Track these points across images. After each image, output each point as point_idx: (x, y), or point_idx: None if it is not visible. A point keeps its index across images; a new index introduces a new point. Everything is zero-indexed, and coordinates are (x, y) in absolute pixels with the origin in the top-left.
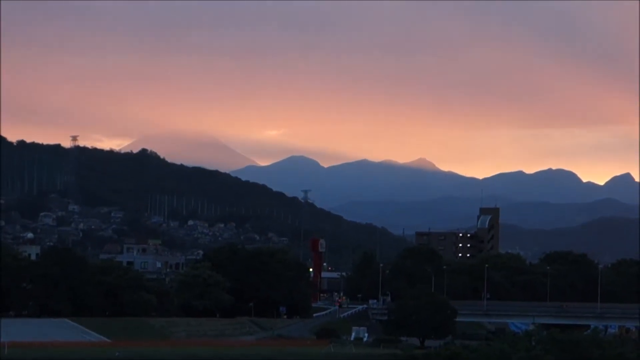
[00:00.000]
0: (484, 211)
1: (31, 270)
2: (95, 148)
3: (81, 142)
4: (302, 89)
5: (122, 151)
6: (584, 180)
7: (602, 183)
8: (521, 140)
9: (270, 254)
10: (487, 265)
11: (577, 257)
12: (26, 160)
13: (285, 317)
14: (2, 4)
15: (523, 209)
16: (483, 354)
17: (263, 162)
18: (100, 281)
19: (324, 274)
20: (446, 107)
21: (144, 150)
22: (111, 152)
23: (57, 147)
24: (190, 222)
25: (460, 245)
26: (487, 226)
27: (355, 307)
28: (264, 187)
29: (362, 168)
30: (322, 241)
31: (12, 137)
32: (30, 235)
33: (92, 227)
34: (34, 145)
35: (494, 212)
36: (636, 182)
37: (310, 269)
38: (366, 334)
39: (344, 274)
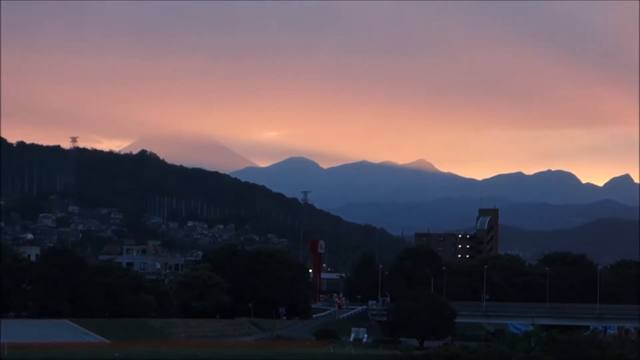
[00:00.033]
0: (483, 212)
1: (31, 271)
2: (95, 149)
3: (81, 143)
4: (302, 90)
5: (122, 152)
6: (583, 181)
7: (601, 184)
8: (520, 141)
9: (270, 255)
10: (486, 266)
11: (577, 258)
12: (26, 161)
13: (284, 318)
14: (2, 4)
15: (522, 210)
16: (482, 355)
17: (262, 163)
18: (100, 282)
19: (323, 275)
20: (445, 108)
21: (143, 152)
22: (111, 153)
23: (57, 148)
24: (190, 223)
25: (460, 246)
26: (486, 227)
27: (354, 308)
28: (263, 188)
29: (362, 169)
30: (321, 242)
31: (12, 138)
32: (30, 236)
33: (92, 228)
34: (33, 146)
35: (493, 213)
36: (635, 183)
37: (310, 270)
38: (365, 335)
39: (343, 275)
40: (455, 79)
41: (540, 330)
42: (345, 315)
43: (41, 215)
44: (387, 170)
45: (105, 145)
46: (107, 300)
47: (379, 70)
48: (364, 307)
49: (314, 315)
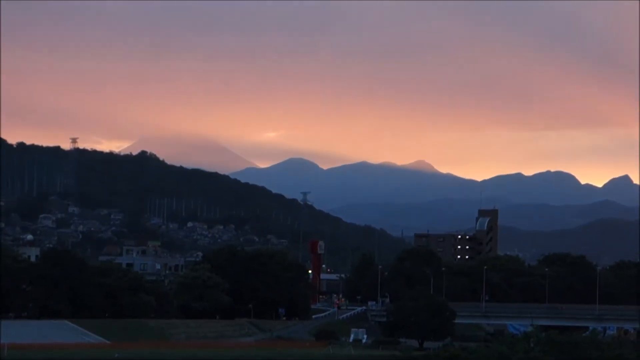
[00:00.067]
0: (482, 213)
1: (31, 272)
2: (95, 150)
3: (81, 144)
4: (302, 91)
5: (122, 153)
6: (583, 182)
7: (600, 185)
8: (520, 142)
9: (270, 256)
10: (485, 267)
11: (576, 259)
12: (26, 162)
13: (284, 318)
14: (2, 5)
15: (522, 211)
16: (482, 356)
17: (262, 164)
18: (99, 283)
19: (323, 276)
20: (445, 109)
21: (143, 152)
22: (111, 154)
23: (57, 149)
24: (190, 224)
25: (459, 247)
26: (485, 228)
27: (354, 309)
28: (263, 189)
29: (361, 170)
30: (321, 243)
31: (12, 139)
32: (29, 237)
33: (92, 229)
34: (33, 147)
35: (492, 214)
36: (634, 184)
37: (310, 271)
38: (365, 336)
39: (343, 275)
40: (455, 80)
41: (540, 331)
42: (344, 316)
43: (41, 216)
44: (386, 171)
45: (105, 146)
46: (107, 301)
47: (379, 71)
48: (364, 307)
49: (313, 316)
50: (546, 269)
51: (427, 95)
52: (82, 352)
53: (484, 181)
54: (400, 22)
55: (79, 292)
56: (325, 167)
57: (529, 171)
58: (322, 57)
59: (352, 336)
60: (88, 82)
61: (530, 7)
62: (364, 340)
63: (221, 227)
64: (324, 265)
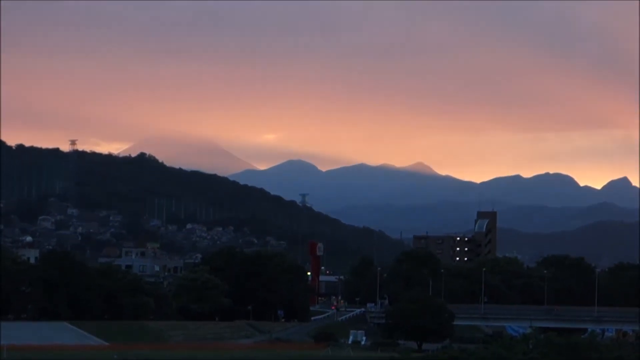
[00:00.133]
0: (481, 215)
1: (30, 274)
2: (94, 152)
3: (80, 146)
4: (301, 93)
5: (121, 155)
6: (581, 184)
7: (599, 187)
8: (518, 144)
9: (269, 258)
10: (484, 269)
11: (574, 260)
12: (25, 164)
13: (283, 320)
14: (1, 6)
15: (520, 213)
16: (480, 358)
17: (261, 166)
18: (99, 285)
19: (322, 278)
20: (444, 111)
21: (142, 154)
22: (110, 156)
23: (56, 151)
24: (189, 226)
25: (458, 249)
26: (484, 230)
27: (353, 311)
28: (262, 191)
29: (360, 172)
30: (320, 245)
31: (11, 141)
32: (29, 238)
33: (91, 230)
34: (33, 149)
35: (491, 216)
36: (633, 186)
37: (309, 273)
38: (364, 338)
39: (342, 277)
40: (454, 81)
41: (539, 332)
42: (343, 317)
43: (40, 217)
44: (385, 173)
45: (105, 148)
46: (106, 302)
47: (378, 73)
48: (363, 309)
49: (312, 318)
50: (545, 271)
51: (426, 97)
52: (81, 354)
53: (483, 183)
54: (400, 23)
55: (78, 294)
56: (324, 169)
57: (527, 173)
58: (321, 59)
59: (351, 338)
60: (87, 84)
61: (529, 8)
62: (362, 342)
63: (220, 229)
64: (322, 267)
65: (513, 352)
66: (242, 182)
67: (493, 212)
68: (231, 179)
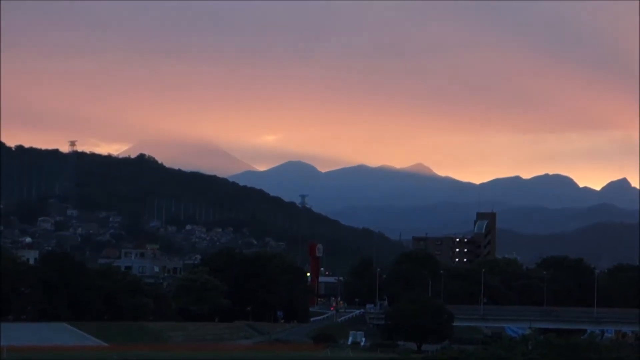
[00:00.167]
0: (480, 216)
1: (30, 275)
2: (94, 153)
3: (79, 147)
4: (300, 94)
5: (120, 156)
6: (581, 185)
7: (598, 188)
8: (518, 145)
9: (268, 259)
10: (483, 270)
11: (574, 262)
12: (25, 165)
13: (282, 321)
14: (1, 7)
15: (520, 214)
16: (480, 359)
17: (260, 167)
18: (98, 286)
19: (321, 279)
20: (443, 112)
21: (141, 155)
22: (109, 157)
23: (56, 152)
24: (188, 227)
25: (457, 250)
26: (483, 231)
27: (352, 312)
28: (261, 192)
29: (360, 173)
30: (319, 246)
31: (11, 142)
32: (28, 239)
33: (91, 231)
34: (32, 150)
35: (490, 217)
36: (632, 187)
37: (308, 274)
38: (363, 339)
39: (341, 278)
40: (453, 82)
41: (538, 333)
42: (343, 318)
43: (40, 218)
44: (385, 174)
45: (104, 149)
46: (106, 303)
47: (377, 74)
48: (362, 310)
49: (312, 319)
50: (544, 272)
51: (425, 98)
52: (81, 355)
53: (482, 184)
54: (399, 24)
55: (78, 295)
56: (323, 170)
57: (527, 174)
58: (321, 59)
59: (350, 339)
60: (87, 85)
61: (529, 9)
62: (362, 343)
63: (219, 230)
64: (322, 268)
65: (512, 353)
66: (241, 183)
67: (492, 213)
68: (231, 180)
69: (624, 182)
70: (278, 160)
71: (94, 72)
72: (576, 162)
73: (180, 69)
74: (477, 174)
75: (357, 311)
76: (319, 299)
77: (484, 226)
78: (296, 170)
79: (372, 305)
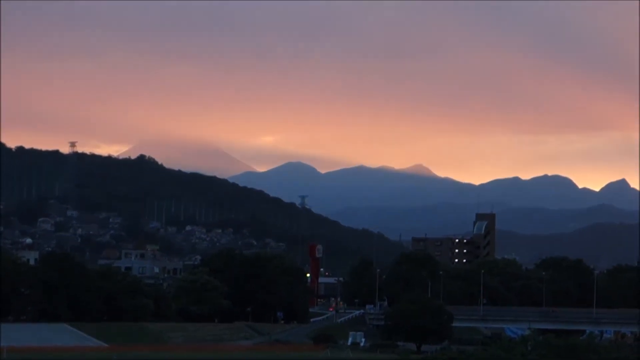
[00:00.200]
0: (480, 217)
1: (30, 276)
2: (94, 154)
3: (79, 148)
4: (300, 95)
5: (120, 157)
6: (580, 186)
7: (597, 189)
8: (517, 146)
9: (268, 260)
10: (483, 271)
11: (573, 262)
12: (25, 166)
13: (282, 322)
14: (1, 8)
15: (519, 215)
16: (479, 359)
17: (260, 168)
18: (98, 286)
19: (321, 279)
20: (443, 113)
21: (142, 156)
22: (109, 158)
23: (56, 153)
24: (188, 228)
25: (457, 250)
26: (483, 232)
27: (352, 312)
28: (261, 192)
29: (359, 174)
30: (319, 246)
31: (11, 143)
32: (28, 240)
33: (91, 232)
34: (32, 151)
35: (490, 217)
36: (631, 188)
37: (308, 274)
38: (363, 339)
39: (341, 279)
40: (453, 84)
41: (537, 334)
42: (342, 319)
43: (40, 219)
44: (384, 175)
45: (104, 150)
46: (106, 304)
47: (377, 74)
48: (362, 311)
49: (311, 320)
50: (543, 273)
51: (425, 99)
52: (80, 355)
53: (482, 185)
54: (399, 25)
55: (78, 296)
56: (323, 170)
57: (526, 175)
58: (320, 60)
59: (350, 339)
60: (87, 87)
61: (529, 9)
62: (362, 344)
63: (219, 230)
64: (322, 269)
65: (512, 353)
66: (241, 184)
67: (492, 214)
68: (230, 180)
69: (623, 183)
70: (278, 161)
71: (94, 72)
72: (575, 163)
73: (181, 69)
74: (476, 174)
75: (357, 312)
76: (318, 300)
77: (484, 227)
78: (296, 171)
79: (372, 305)
